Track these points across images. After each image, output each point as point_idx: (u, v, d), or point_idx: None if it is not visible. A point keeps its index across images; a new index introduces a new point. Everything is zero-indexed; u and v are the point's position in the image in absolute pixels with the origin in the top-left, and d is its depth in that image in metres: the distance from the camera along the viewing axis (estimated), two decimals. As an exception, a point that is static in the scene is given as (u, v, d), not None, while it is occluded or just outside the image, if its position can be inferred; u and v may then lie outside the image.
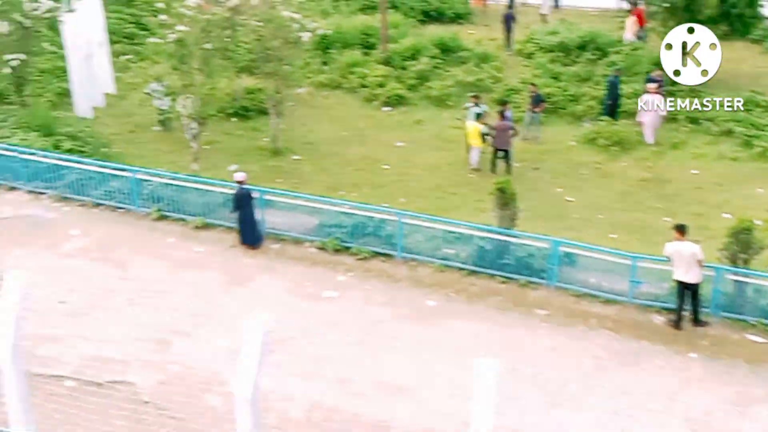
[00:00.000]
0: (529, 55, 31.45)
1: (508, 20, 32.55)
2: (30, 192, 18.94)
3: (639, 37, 32.67)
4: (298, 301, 15.74)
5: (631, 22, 32.25)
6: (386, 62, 29.89)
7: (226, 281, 16.21)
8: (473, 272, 17.02)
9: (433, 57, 30.40)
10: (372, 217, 18.04)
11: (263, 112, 25.39)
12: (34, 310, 10.67)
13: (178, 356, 13.84)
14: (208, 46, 23.22)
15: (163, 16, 24.10)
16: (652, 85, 24.30)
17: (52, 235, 17.37)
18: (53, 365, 13.16)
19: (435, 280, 16.81)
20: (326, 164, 23.24)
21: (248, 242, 17.48)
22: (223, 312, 14.99)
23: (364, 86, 28.66)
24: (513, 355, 14.38)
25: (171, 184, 18.39)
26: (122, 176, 18.54)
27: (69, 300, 14.74)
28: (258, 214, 17.64)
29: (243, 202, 17.36)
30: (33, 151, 19.23)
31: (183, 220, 18.09)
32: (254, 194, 17.56)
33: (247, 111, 26.29)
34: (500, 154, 23.07)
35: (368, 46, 31.31)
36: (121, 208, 18.51)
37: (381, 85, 28.44)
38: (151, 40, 26.71)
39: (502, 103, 24.89)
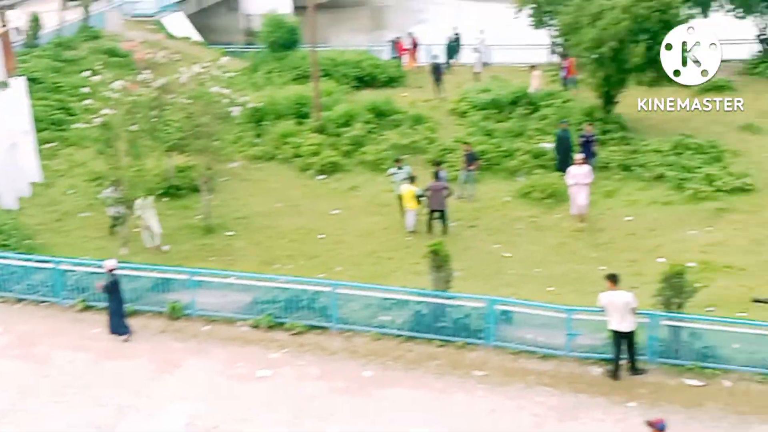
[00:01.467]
0: (463, 114, 31.94)
1: (436, 71, 34.64)
2: (-51, 292, 18.52)
3: (566, 87, 33.86)
4: (229, 383, 15.49)
5: (535, 75, 33.48)
6: (320, 130, 30.10)
7: (154, 369, 15.90)
8: (410, 338, 16.94)
9: (367, 122, 30.70)
10: (305, 289, 17.92)
11: (195, 190, 25.29)
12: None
13: (103, 452, 13.50)
14: (134, 127, 23.29)
15: (88, 101, 24.18)
16: (579, 157, 24.28)
17: (-28, 335, 16.98)
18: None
19: (371, 350, 16.69)
20: (260, 238, 23.16)
21: (115, 332, 16.95)
22: (149, 402, 14.67)
23: (298, 156, 28.77)
24: (451, 420, 14.29)
25: (96, 273, 18.08)
26: (45, 268, 18.22)
27: (-12, 402, 14.34)
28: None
29: (112, 289, 16.89)
30: (-49, 249, 18.91)
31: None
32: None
33: (178, 190, 26.15)
34: (436, 215, 23.17)
35: (302, 116, 31.54)
36: (44, 301, 18.17)
37: (315, 154, 28.58)
38: (77, 125, 26.68)
39: (436, 163, 25.14)
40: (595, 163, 25.38)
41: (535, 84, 33.18)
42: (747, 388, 14.93)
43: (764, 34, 35.99)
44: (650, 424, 12.24)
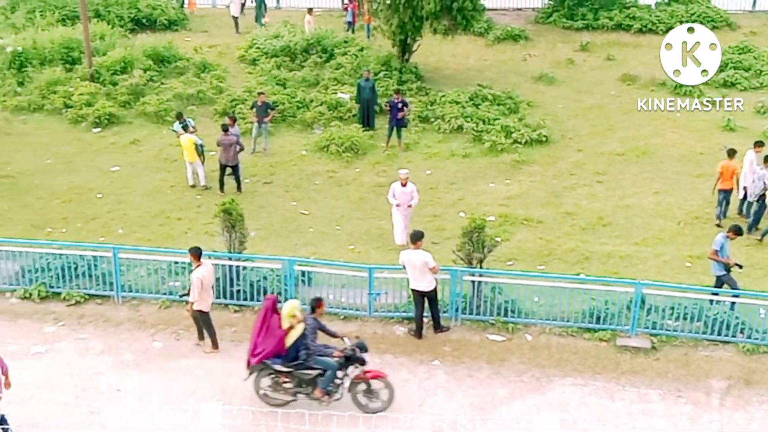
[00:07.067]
0: (253, 62, 31.55)
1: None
2: None
3: (351, 31, 34.50)
4: (-1, 363, 14.62)
5: (308, 20, 33.86)
6: (93, 78, 28.74)
7: None
8: (204, 304, 16.72)
9: (147, 69, 29.68)
10: (83, 255, 17.17)
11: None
12: None
13: None
14: None
15: None
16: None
17: None
18: None
19: (160, 319, 16.35)
20: (28, 199, 21.86)
21: None
22: None
23: (68, 106, 27.35)
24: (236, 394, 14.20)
25: None
26: None
27: None
28: None
29: None
30: None
31: None
32: None
33: None
34: (228, 170, 22.79)
35: (71, 62, 30.04)
36: None
37: (89, 104, 27.27)
38: None
39: (231, 117, 24.38)
40: (402, 134, 25.46)
41: (308, 29, 33.31)
42: (548, 341, 15.90)
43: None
44: None
